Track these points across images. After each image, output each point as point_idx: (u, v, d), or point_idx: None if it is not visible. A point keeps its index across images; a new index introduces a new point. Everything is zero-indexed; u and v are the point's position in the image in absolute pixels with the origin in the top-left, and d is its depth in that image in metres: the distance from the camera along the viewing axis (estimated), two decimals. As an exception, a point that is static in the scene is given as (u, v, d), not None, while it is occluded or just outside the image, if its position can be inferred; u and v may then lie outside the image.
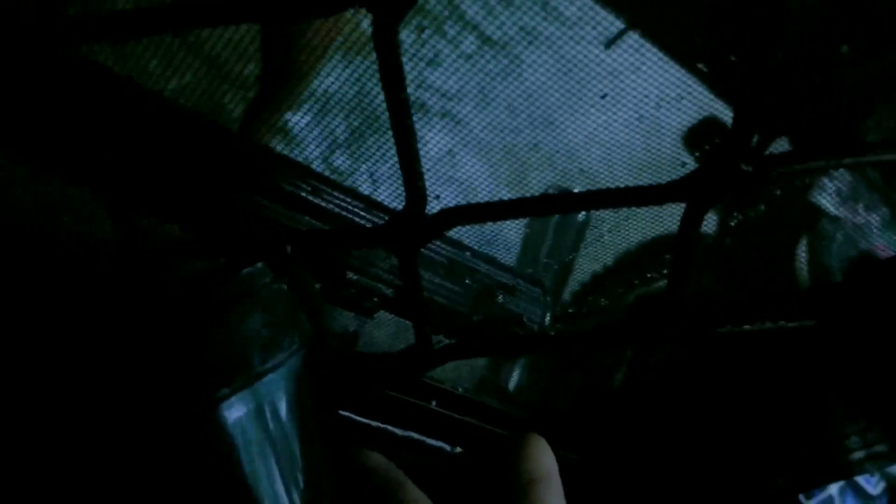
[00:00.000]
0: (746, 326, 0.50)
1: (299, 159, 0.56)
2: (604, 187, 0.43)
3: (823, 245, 0.87)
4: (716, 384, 0.68)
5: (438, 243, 0.61)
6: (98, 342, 0.37)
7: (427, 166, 0.42)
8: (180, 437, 0.38)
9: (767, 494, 0.67)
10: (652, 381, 0.66)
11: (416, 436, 0.57)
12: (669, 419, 0.68)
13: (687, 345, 0.63)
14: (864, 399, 0.64)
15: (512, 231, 1.18)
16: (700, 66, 0.52)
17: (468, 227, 0.49)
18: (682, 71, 0.57)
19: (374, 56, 0.35)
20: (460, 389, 0.58)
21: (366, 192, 0.59)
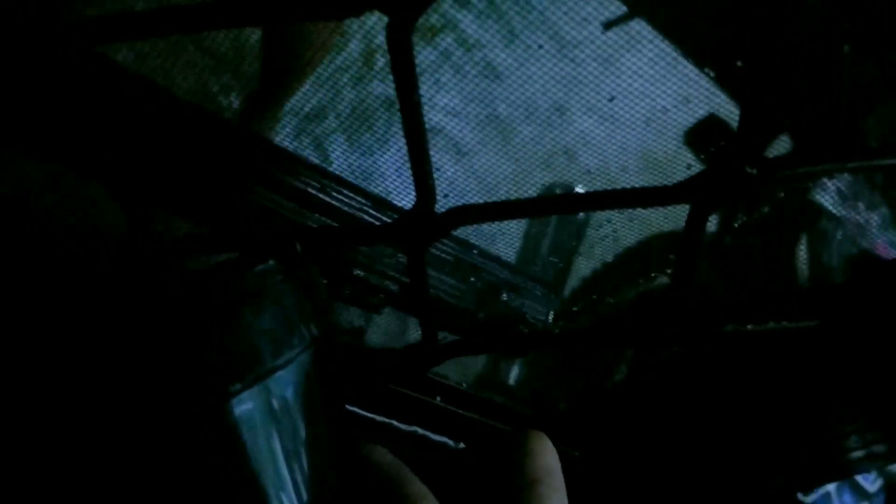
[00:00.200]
0: (750, 326, 0.51)
1: (305, 156, 0.56)
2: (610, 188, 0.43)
3: (824, 243, 0.87)
4: (716, 383, 0.68)
5: (444, 241, 0.62)
6: (111, 336, 0.37)
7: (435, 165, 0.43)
8: (192, 431, 0.38)
9: (767, 493, 0.67)
10: (653, 379, 0.67)
11: (420, 431, 0.57)
12: (671, 417, 0.68)
13: (688, 343, 0.64)
14: (864, 399, 0.65)
15: (513, 227, 1.18)
16: (707, 70, 0.53)
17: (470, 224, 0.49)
18: (692, 72, 0.58)
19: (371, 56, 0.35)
20: (464, 385, 0.58)
21: (368, 190, 0.60)
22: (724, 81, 0.55)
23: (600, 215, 0.94)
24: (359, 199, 0.56)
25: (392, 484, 0.49)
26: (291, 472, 0.42)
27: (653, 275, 0.98)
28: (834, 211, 0.89)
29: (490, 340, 0.58)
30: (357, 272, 0.56)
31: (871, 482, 1.07)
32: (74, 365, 0.38)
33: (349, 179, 0.54)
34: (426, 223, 0.43)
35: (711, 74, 0.52)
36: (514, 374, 1.07)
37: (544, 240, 1.15)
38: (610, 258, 1.03)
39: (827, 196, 0.88)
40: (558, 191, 1.13)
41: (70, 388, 0.38)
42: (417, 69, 0.36)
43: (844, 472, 0.70)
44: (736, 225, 0.79)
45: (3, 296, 0.39)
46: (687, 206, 0.44)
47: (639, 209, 0.45)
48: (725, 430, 0.68)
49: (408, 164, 0.41)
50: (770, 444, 0.67)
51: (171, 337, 0.38)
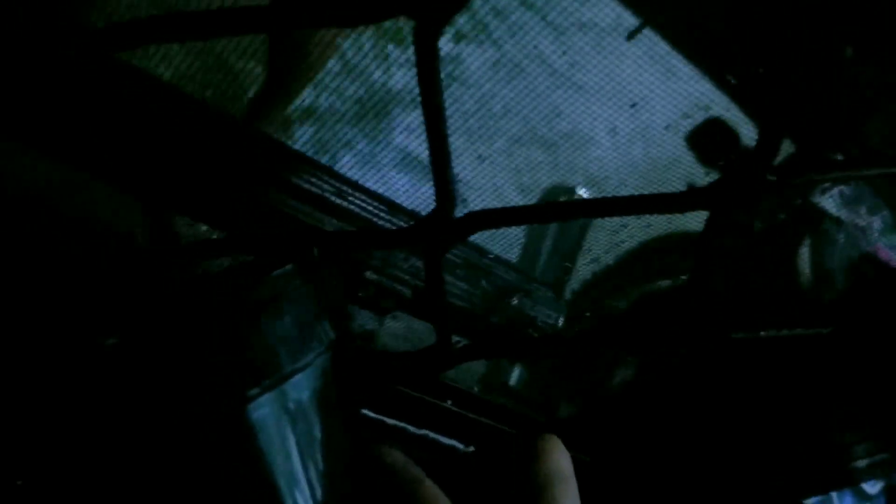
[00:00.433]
0: (762, 333, 0.51)
1: (320, 160, 0.56)
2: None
3: (826, 248, 0.88)
4: (724, 391, 0.68)
5: (458, 246, 0.62)
6: (132, 340, 0.37)
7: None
8: (211, 435, 0.38)
9: (771, 497, 0.68)
10: (663, 386, 0.67)
11: (431, 434, 0.57)
12: (679, 423, 0.68)
13: (698, 347, 0.64)
14: (868, 408, 0.65)
15: (513, 229, 1.18)
16: (729, 78, 0.53)
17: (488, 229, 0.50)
18: (710, 85, 0.58)
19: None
20: (476, 389, 0.59)
21: (383, 195, 0.60)
22: (744, 90, 0.55)
23: (616, 220, 0.94)
24: (374, 203, 0.56)
25: (406, 485, 0.49)
26: (307, 473, 0.42)
27: (666, 279, 0.98)
28: (836, 215, 0.89)
29: (502, 344, 0.58)
30: (370, 276, 0.56)
31: (871, 485, 1.07)
32: (93, 370, 0.38)
33: (363, 184, 0.54)
34: (445, 228, 0.43)
35: (733, 82, 0.52)
36: (515, 376, 1.07)
37: (546, 242, 1.15)
38: (618, 264, 1.03)
39: (829, 200, 0.89)
40: (562, 197, 1.14)
41: (90, 391, 0.38)
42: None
43: (849, 481, 0.70)
44: (756, 229, 0.79)
45: (21, 296, 0.39)
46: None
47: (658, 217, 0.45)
48: (733, 438, 0.68)
49: (412, 166, 0.41)
50: (776, 452, 0.68)
51: (189, 341, 0.38)
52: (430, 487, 0.50)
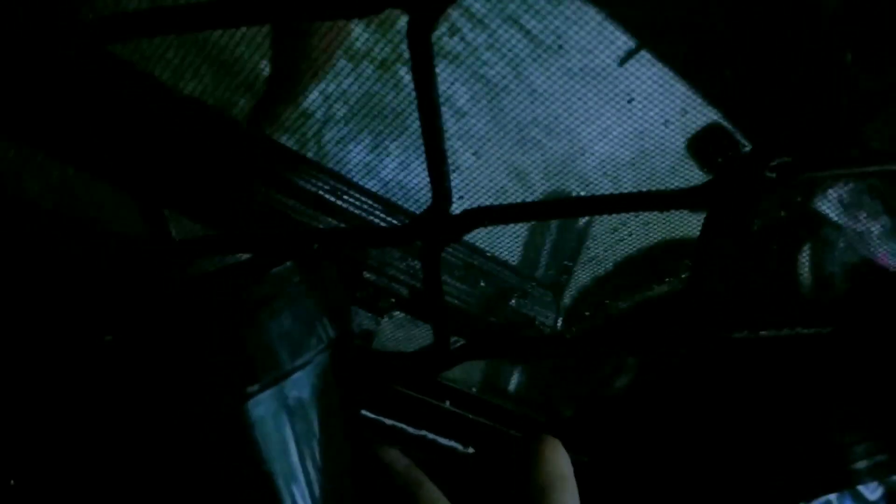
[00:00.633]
0: (763, 332, 0.51)
1: (317, 159, 0.56)
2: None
3: (826, 252, 0.88)
4: (723, 393, 0.68)
5: (454, 245, 0.61)
6: (131, 338, 0.37)
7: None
8: (210, 432, 0.38)
9: (770, 498, 0.67)
10: (662, 388, 0.67)
11: (429, 435, 0.57)
12: (680, 425, 0.68)
13: (696, 348, 0.64)
14: (867, 409, 0.65)
15: (514, 231, 1.18)
16: (726, 73, 0.53)
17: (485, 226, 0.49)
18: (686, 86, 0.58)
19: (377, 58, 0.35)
20: (474, 390, 0.58)
21: (379, 193, 0.59)
22: (739, 88, 0.55)
23: (615, 219, 0.94)
24: (370, 202, 0.56)
25: (406, 486, 0.49)
26: (306, 471, 0.42)
27: (666, 280, 0.98)
28: (836, 220, 0.89)
29: (500, 345, 0.58)
30: (368, 276, 0.56)
31: (871, 490, 1.07)
32: (91, 367, 0.38)
33: (360, 183, 0.54)
34: (442, 225, 0.43)
35: (728, 74, 0.52)
36: (515, 378, 1.07)
37: (546, 243, 1.15)
38: (617, 264, 1.03)
39: (829, 205, 0.89)
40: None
41: (88, 389, 0.38)
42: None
43: (847, 483, 0.70)
44: (754, 229, 0.79)
45: (19, 295, 0.39)
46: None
47: (655, 215, 0.45)
48: (732, 440, 0.68)
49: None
50: (775, 454, 0.67)
51: (188, 339, 0.38)
52: (431, 488, 0.49)
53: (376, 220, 0.56)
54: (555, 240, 1.13)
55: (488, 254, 0.65)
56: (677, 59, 0.61)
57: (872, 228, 0.89)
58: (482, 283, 0.63)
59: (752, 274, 0.85)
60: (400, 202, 0.60)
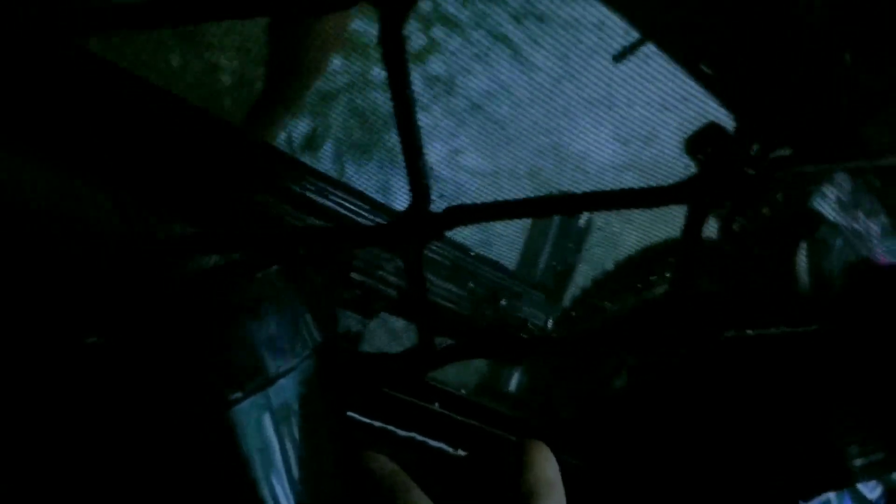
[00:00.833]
0: (749, 331, 0.51)
1: (303, 160, 0.56)
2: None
3: (824, 251, 0.87)
4: (718, 393, 0.68)
5: (442, 246, 0.61)
6: (114, 340, 0.37)
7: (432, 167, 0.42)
8: (193, 439, 0.38)
9: (769, 498, 0.67)
10: (655, 388, 0.67)
11: (418, 437, 0.57)
12: (672, 426, 0.68)
13: (689, 348, 0.63)
14: (864, 408, 0.64)
15: (513, 233, 1.18)
16: (705, 69, 0.53)
17: (471, 230, 0.49)
18: (687, 77, 0.58)
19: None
20: (463, 391, 0.58)
21: (366, 193, 0.59)
22: (720, 83, 0.55)
23: (599, 218, 0.93)
24: (355, 202, 0.56)
25: (392, 492, 0.48)
26: (290, 477, 0.41)
27: (655, 280, 0.97)
28: (833, 219, 0.88)
29: (488, 345, 0.58)
30: (355, 277, 0.56)
31: (871, 489, 1.06)
32: (76, 369, 0.38)
33: (347, 183, 0.54)
34: (422, 222, 0.42)
35: (708, 72, 0.52)
36: (514, 381, 1.07)
37: (545, 246, 1.15)
38: (611, 265, 1.03)
39: (826, 204, 0.88)
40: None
41: (71, 391, 0.38)
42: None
43: (847, 482, 0.69)
44: (735, 228, 0.79)
45: (4, 297, 0.39)
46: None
47: (641, 214, 0.45)
48: (728, 439, 0.68)
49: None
50: (772, 453, 0.67)
51: (170, 343, 0.38)
52: (418, 494, 0.49)
53: (362, 221, 0.56)
54: (555, 242, 1.13)
55: (477, 255, 0.65)
56: (678, 57, 0.61)
57: (870, 227, 0.89)
58: (472, 284, 0.63)
59: (750, 275, 0.85)
60: (388, 203, 0.60)
